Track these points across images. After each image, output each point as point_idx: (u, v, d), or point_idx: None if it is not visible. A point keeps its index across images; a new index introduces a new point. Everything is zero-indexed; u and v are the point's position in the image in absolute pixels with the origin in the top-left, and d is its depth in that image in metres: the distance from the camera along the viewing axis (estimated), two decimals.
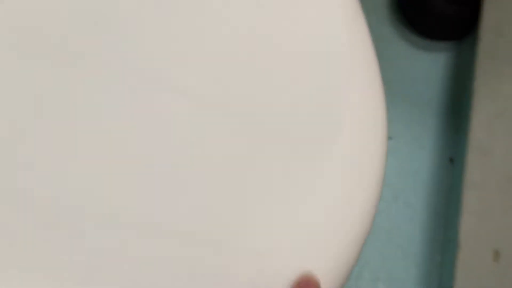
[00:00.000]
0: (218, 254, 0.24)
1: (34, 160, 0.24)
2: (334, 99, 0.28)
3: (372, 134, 0.28)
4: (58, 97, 0.25)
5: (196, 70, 0.27)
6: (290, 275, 0.24)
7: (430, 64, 0.68)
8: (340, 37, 0.29)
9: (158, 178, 0.25)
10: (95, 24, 0.27)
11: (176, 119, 0.26)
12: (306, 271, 0.25)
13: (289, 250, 0.25)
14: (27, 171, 0.24)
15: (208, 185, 0.25)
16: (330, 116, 0.27)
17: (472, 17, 0.63)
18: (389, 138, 0.64)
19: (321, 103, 0.27)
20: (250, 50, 0.28)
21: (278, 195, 0.25)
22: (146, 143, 0.25)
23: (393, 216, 0.61)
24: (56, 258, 0.23)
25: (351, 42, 0.29)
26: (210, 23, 0.28)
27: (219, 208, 0.25)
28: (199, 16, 0.28)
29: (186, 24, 0.28)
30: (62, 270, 0.23)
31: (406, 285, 0.59)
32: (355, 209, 0.27)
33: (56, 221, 0.23)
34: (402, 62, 0.68)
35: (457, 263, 0.52)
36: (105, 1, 0.27)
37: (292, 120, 0.27)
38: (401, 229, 0.61)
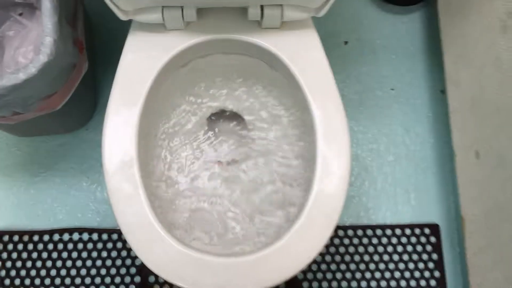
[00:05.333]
0: None
1: None
2: None
3: None
4: None
5: None
6: None
7: (408, 24, 0.86)
8: None
9: None
10: None
11: None
12: None
13: None
14: None
15: None
16: None
17: None
18: (392, 89, 0.83)
19: None
20: None
21: None
22: None
23: (408, 145, 0.81)
24: None
25: None
26: None
27: None
28: None
29: None
30: None
31: (430, 193, 0.80)
32: None
33: None
34: (387, 28, 0.86)
35: (456, 166, 0.72)
36: None
37: None
38: (416, 153, 0.82)
